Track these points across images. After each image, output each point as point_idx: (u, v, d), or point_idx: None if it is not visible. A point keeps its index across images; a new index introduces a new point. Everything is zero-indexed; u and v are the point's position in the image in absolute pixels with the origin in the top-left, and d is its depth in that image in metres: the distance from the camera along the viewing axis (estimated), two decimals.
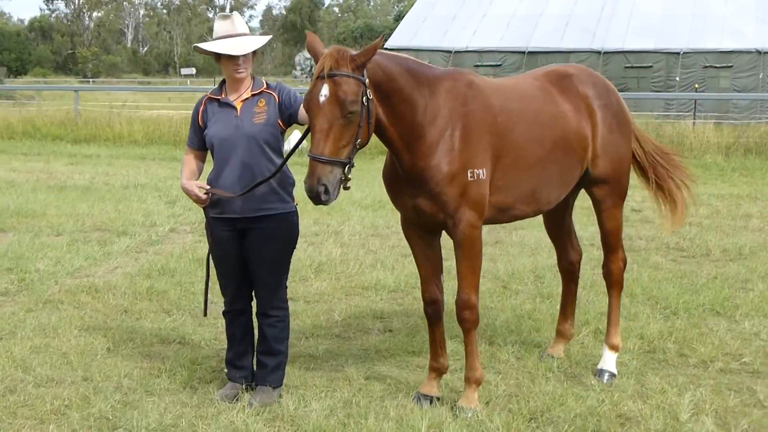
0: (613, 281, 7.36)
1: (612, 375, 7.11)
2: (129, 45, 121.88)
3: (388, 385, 6.95)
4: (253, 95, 6.50)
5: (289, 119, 6.50)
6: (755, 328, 8.39)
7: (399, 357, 7.65)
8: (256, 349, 6.83)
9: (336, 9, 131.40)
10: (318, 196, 5.54)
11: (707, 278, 10.25)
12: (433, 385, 6.70)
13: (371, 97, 5.68)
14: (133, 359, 7.50)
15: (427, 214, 6.27)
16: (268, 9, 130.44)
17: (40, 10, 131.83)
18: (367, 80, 5.64)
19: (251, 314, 6.84)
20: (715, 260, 11.42)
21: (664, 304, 9.14)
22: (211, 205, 6.52)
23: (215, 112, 6.54)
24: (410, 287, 9.89)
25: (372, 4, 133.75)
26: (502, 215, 6.64)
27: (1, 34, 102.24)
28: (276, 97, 6.51)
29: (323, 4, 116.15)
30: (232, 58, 6.33)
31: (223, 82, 6.60)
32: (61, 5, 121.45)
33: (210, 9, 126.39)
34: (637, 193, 16.38)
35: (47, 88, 56.15)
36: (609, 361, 7.21)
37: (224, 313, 6.87)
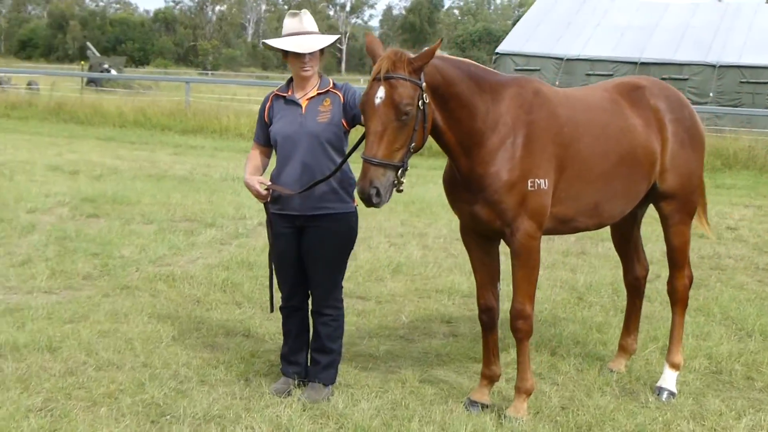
0: (678, 298, 7.22)
1: (671, 393, 6.97)
2: (249, 39, 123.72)
3: (441, 390, 6.94)
4: (318, 94, 6.53)
5: (353, 120, 6.50)
6: None
7: (459, 362, 7.63)
8: (310, 346, 6.87)
9: (456, 11, 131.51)
10: (369, 198, 5.54)
11: None
12: (484, 392, 6.67)
13: (427, 101, 5.66)
14: (195, 349, 7.63)
15: (484, 222, 6.24)
16: (388, 9, 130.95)
17: (165, 2, 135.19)
18: (423, 84, 5.63)
19: (307, 311, 6.88)
20: None
21: (740, 325, 8.91)
22: (272, 202, 6.59)
23: (281, 109, 6.60)
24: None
25: (492, 7, 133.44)
26: (563, 227, 6.58)
27: (126, 24, 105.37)
28: (341, 97, 6.52)
29: (443, 6, 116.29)
30: (299, 56, 6.36)
31: (291, 79, 6.64)
32: None
33: (330, 6, 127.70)
34: (736, 212, 16.16)
35: (161, 78, 57.27)
36: (669, 379, 7.07)
37: (281, 309, 6.92)
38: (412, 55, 5.64)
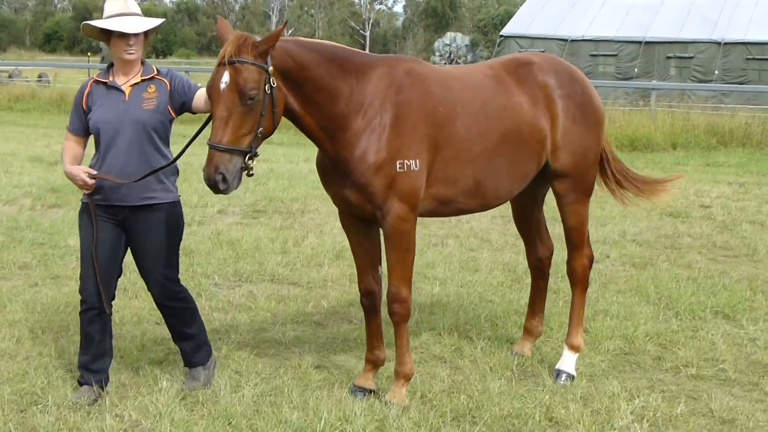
0: (577, 279, 7.08)
1: (569, 376, 6.86)
2: (273, 27, 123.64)
3: (332, 375, 6.87)
4: (143, 80, 6.25)
5: (181, 107, 6.30)
6: (756, 333, 8.01)
7: (362, 348, 7.42)
8: (172, 336, 6.68)
9: None
10: (216, 184, 5.47)
11: (735, 280, 9.80)
12: (368, 377, 6.58)
13: (275, 85, 5.55)
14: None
15: (354, 205, 6.15)
16: None
17: None
18: (270, 68, 5.52)
19: (110, 315, 6.49)
20: (757, 261, 10.91)
21: (671, 304, 8.78)
22: (93, 192, 6.20)
23: (101, 96, 6.25)
24: (418, 275, 9.78)
25: None
26: (445, 208, 6.45)
27: (148, 15, 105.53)
28: (167, 84, 6.28)
29: None
30: (124, 37, 6.06)
31: (110, 65, 6.34)
32: None
33: None
34: (716, 190, 15.98)
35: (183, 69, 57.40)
36: (568, 361, 6.96)
37: (82, 312, 6.38)
38: (258, 39, 5.53)
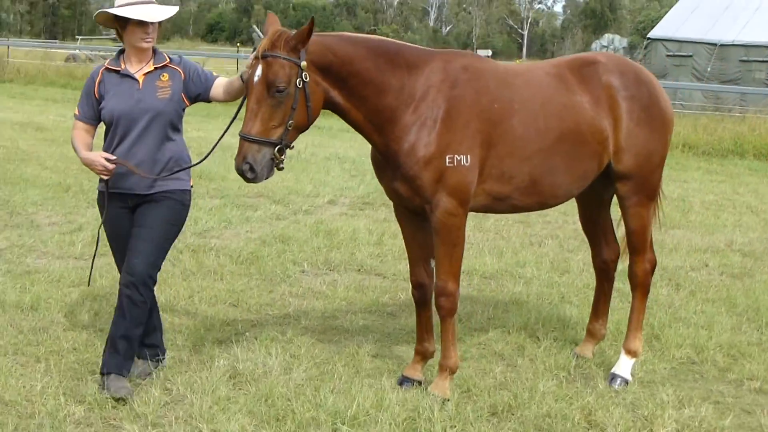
0: (637, 283, 6.98)
1: (624, 381, 6.78)
2: (431, 24, 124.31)
3: (385, 364, 6.99)
4: (156, 68, 6.24)
5: (196, 97, 6.32)
6: None
7: None
8: (112, 333, 6.32)
9: None
10: (243, 174, 5.63)
11: None
12: (417, 369, 6.66)
13: (307, 80, 5.66)
14: (173, 313, 7.95)
15: (404, 198, 6.23)
16: None
17: None
18: (303, 62, 5.63)
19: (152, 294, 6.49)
20: None
21: (756, 317, 8.57)
22: (104, 181, 6.20)
23: (115, 84, 6.19)
24: (505, 274, 9.81)
25: None
26: (499, 204, 6.46)
27: (308, 8, 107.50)
28: (182, 73, 6.28)
29: None
30: (142, 25, 6.03)
31: (121, 52, 6.31)
32: None
33: None
34: None
35: None
36: (624, 366, 6.88)
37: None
38: (291, 35, 5.66)
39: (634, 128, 6.59)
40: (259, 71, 5.60)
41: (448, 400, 6.23)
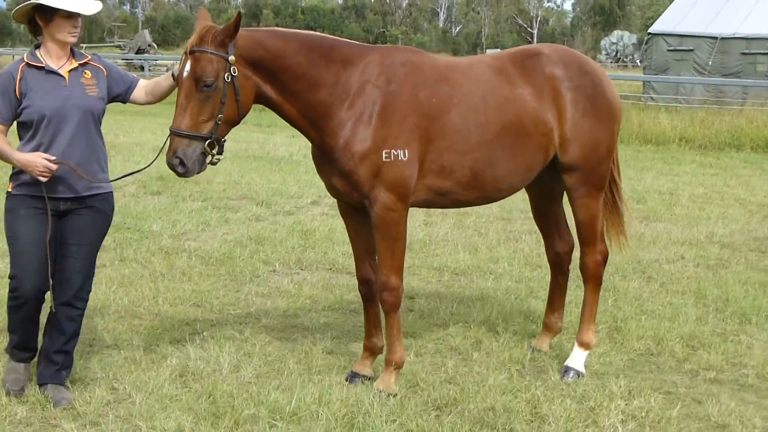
0: (589, 275, 6.95)
1: (577, 373, 6.76)
2: (441, 25, 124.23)
3: (337, 361, 6.97)
4: (79, 65, 5.98)
5: (115, 97, 6.18)
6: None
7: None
8: (49, 346, 6.14)
9: None
10: (174, 168, 5.66)
11: None
12: (366, 365, 6.66)
13: (236, 74, 5.66)
14: (133, 316, 7.94)
15: (342, 193, 6.24)
16: None
17: None
18: (231, 57, 5.64)
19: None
20: None
21: (723, 307, 8.56)
22: (32, 183, 5.80)
23: (38, 81, 5.82)
24: (477, 270, 9.78)
25: None
26: (441, 199, 6.44)
27: (316, 12, 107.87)
28: (104, 71, 6.09)
29: None
30: (70, 18, 5.73)
31: (36, 47, 5.95)
32: None
33: None
34: None
35: None
36: (577, 358, 6.86)
37: (17, 303, 6.04)
38: (219, 29, 5.67)
39: (579, 119, 6.55)
40: (187, 66, 5.63)
41: (395, 394, 6.22)
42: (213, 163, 5.82)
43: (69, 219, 5.99)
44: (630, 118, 23.51)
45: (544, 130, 6.45)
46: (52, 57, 5.89)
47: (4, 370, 6.26)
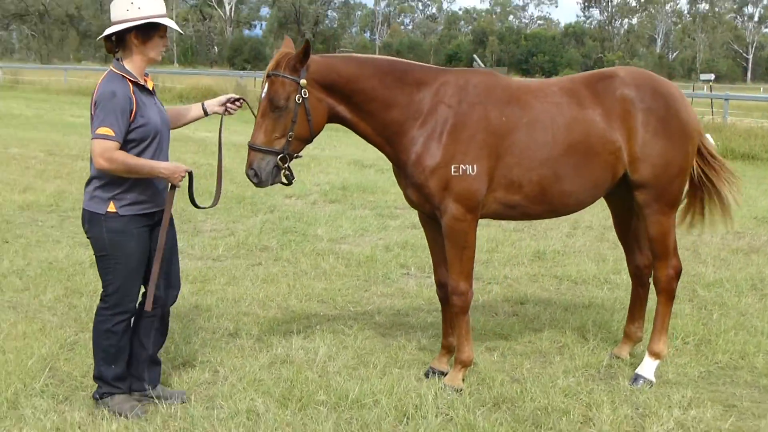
0: (661, 288, 6.71)
1: (648, 381, 6.53)
2: (658, 50, 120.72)
3: (425, 356, 7.02)
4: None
5: None
6: None
7: (478, 339, 7.54)
8: (152, 354, 6.00)
9: None
10: (250, 179, 5.90)
11: None
12: (443, 361, 6.71)
13: (306, 96, 5.82)
14: (261, 306, 8.25)
15: (416, 204, 6.33)
16: None
17: (577, 16, 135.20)
18: (303, 80, 5.80)
19: None
20: None
21: None
22: (138, 202, 5.64)
23: (143, 99, 5.60)
24: (595, 280, 9.57)
25: None
26: (511, 211, 6.39)
27: (538, 38, 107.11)
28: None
29: None
30: (164, 38, 5.59)
31: (118, 64, 5.58)
32: (596, 12, 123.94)
33: (738, 17, 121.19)
34: None
35: None
36: (647, 367, 6.63)
37: (121, 321, 5.74)
38: (293, 56, 5.83)
39: (651, 139, 6.35)
40: (265, 88, 5.85)
41: (460, 389, 6.24)
42: (289, 182, 5.99)
43: (155, 229, 5.77)
44: None
45: (611, 149, 6.30)
46: (139, 74, 5.59)
47: (112, 405, 5.77)
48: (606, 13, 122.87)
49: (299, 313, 8.10)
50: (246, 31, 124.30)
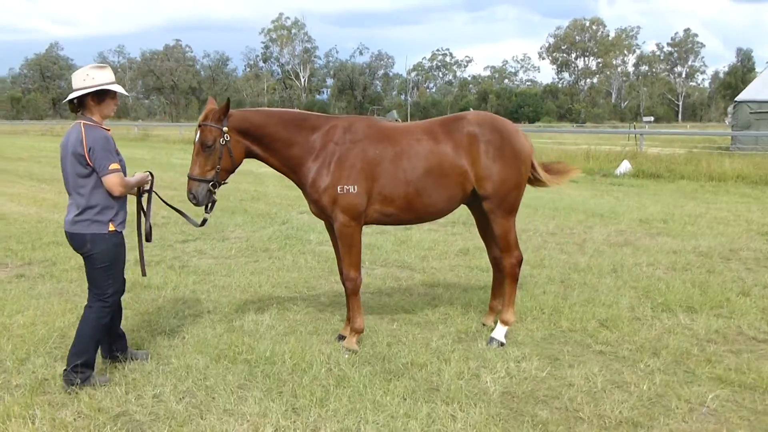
0: (506, 273, 6.51)
1: (500, 343, 6.31)
2: (613, 101, 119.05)
3: (341, 326, 6.84)
4: None
5: None
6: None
7: (392, 312, 7.35)
8: (116, 329, 5.72)
9: None
10: (190, 200, 5.79)
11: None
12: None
13: (228, 139, 5.74)
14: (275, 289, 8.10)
15: (317, 214, 6.22)
16: (716, 73, 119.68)
17: (552, 78, 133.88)
18: (225, 128, 5.72)
19: None
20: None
21: (662, 299, 7.69)
22: (124, 220, 5.40)
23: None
24: None
25: None
26: (388, 219, 6.23)
27: (525, 95, 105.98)
28: None
29: (755, 69, 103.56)
30: (114, 98, 5.33)
31: (89, 119, 5.23)
32: (566, 75, 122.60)
33: (670, 74, 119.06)
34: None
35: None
36: (499, 332, 6.41)
37: (111, 304, 5.36)
38: (217, 110, 5.77)
39: (491, 163, 6.18)
40: (198, 134, 5.77)
41: (356, 351, 6.07)
42: (211, 202, 5.87)
43: None
44: (701, 162, 21.72)
45: (459, 171, 6.15)
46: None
47: (92, 382, 5.31)
48: (573, 75, 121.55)
49: (266, 295, 7.95)
50: (317, 96, 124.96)
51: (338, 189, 5.91)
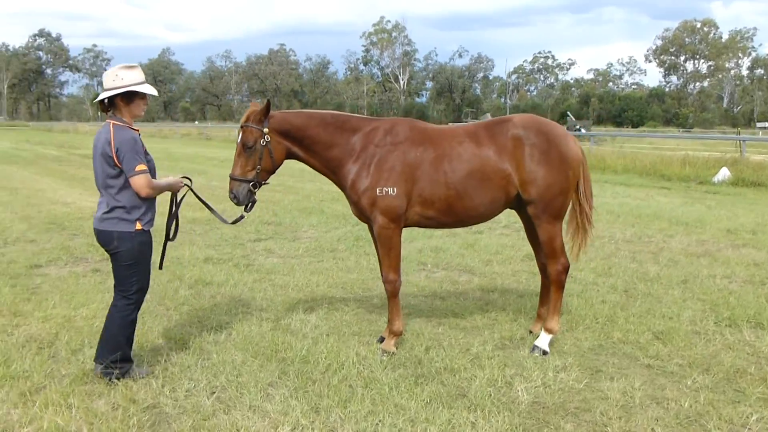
0: (552, 281, 6.32)
1: (543, 351, 6.16)
2: (724, 105, 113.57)
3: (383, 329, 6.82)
4: None
5: None
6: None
7: (440, 315, 7.31)
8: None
9: None
10: (231, 200, 5.92)
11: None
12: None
13: (268, 140, 5.84)
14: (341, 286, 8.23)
15: (357, 216, 6.24)
16: None
17: (659, 81, 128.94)
18: (265, 129, 5.83)
19: None
20: None
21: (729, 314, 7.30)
22: (152, 219, 5.42)
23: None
24: None
25: None
26: (428, 222, 6.19)
27: (629, 98, 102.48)
28: None
29: None
30: (144, 98, 5.33)
31: (119, 119, 5.27)
32: (674, 78, 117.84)
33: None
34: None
35: (617, 134, 52.83)
36: (542, 340, 6.25)
37: (138, 310, 5.47)
38: (258, 111, 5.87)
39: (535, 167, 6.04)
40: (240, 135, 5.90)
41: (394, 353, 6.06)
42: (252, 201, 5.99)
43: None
44: None
45: (503, 174, 6.04)
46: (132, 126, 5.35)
47: (132, 374, 5.45)
48: (682, 79, 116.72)
49: (320, 295, 8.03)
50: (416, 99, 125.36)
51: (377, 191, 5.93)
